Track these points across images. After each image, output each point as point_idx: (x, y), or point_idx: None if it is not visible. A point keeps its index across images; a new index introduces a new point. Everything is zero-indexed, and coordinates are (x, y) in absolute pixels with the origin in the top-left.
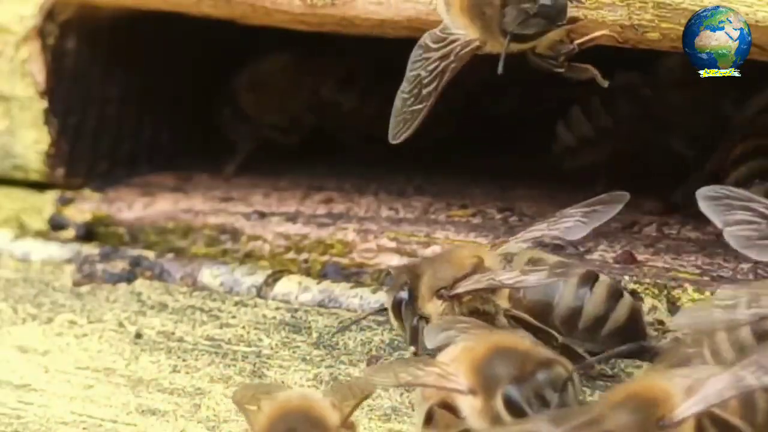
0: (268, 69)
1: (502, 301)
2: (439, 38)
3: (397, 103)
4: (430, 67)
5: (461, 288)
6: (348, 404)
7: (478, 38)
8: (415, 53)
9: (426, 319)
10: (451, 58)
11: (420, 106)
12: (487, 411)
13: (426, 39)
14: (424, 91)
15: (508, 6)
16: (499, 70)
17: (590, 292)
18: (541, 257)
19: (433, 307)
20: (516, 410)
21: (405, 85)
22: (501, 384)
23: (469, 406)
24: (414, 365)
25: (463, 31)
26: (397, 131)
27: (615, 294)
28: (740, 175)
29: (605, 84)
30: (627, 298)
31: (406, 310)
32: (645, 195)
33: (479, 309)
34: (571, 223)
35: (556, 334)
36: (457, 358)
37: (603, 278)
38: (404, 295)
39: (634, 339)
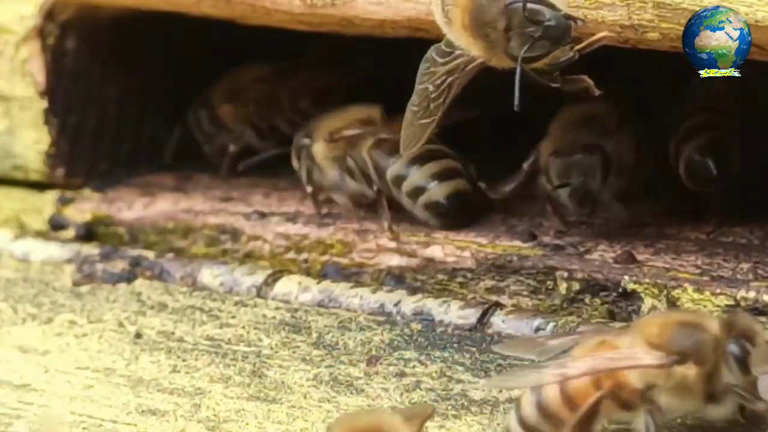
0: (245, 80)
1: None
2: (444, 53)
3: (408, 115)
4: (437, 82)
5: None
6: (415, 422)
7: (482, 56)
8: (422, 66)
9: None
10: (456, 74)
11: (428, 120)
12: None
13: (432, 53)
14: (432, 105)
15: (513, 30)
16: (516, 105)
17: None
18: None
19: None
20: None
21: (414, 98)
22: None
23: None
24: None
25: (467, 48)
26: (408, 143)
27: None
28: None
29: (597, 93)
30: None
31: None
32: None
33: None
34: None
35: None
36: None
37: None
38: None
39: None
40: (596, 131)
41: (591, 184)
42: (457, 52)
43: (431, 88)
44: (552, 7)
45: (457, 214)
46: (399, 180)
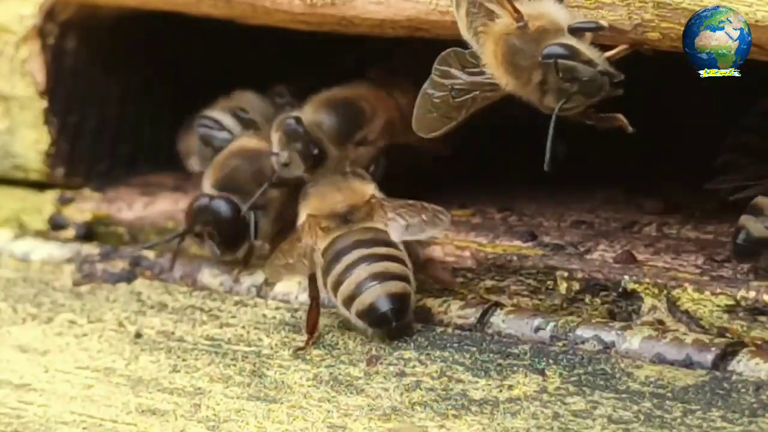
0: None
1: None
2: (469, 63)
3: (424, 101)
4: (458, 87)
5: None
6: None
7: (513, 90)
8: (439, 63)
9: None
10: (479, 90)
11: (448, 119)
12: None
13: (451, 58)
14: (453, 106)
15: (548, 85)
16: (546, 166)
17: None
18: None
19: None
20: None
21: (432, 89)
22: None
23: None
24: None
25: (497, 78)
26: (421, 127)
27: None
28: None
29: (630, 130)
30: None
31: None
32: (645, 195)
33: None
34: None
35: None
36: None
37: None
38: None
39: None
40: None
41: None
42: (484, 69)
43: (453, 92)
44: (588, 62)
45: None
46: None
